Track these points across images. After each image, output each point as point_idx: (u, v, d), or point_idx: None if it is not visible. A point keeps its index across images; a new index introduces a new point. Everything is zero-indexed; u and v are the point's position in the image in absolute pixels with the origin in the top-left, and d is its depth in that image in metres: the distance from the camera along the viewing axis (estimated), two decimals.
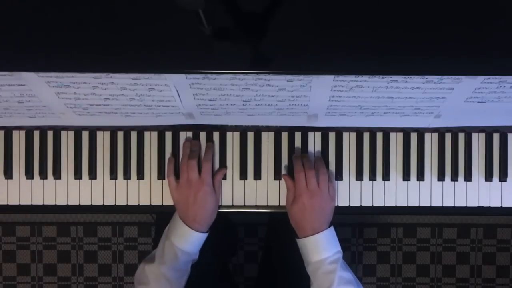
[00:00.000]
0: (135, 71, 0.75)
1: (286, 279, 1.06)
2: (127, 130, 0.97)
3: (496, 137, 0.97)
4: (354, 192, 0.97)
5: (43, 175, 0.97)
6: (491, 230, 1.72)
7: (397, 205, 0.98)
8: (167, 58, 0.74)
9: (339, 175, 0.97)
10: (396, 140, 0.97)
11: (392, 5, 0.75)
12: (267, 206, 0.97)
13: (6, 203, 0.97)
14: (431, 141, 0.97)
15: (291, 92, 0.80)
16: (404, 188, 0.97)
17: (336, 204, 0.95)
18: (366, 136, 0.97)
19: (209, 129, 0.97)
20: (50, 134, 0.97)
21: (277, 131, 0.97)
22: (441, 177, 0.97)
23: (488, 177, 0.97)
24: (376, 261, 1.72)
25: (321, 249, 0.87)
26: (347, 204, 0.97)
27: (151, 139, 0.97)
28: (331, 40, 0.75)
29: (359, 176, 0.97)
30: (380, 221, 1.72)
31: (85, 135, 0.97)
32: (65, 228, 1.71)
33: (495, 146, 0.97)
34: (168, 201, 0.95)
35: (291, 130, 0.97)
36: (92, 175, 0.97)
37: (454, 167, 0.97)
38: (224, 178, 0.97)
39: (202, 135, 0.97)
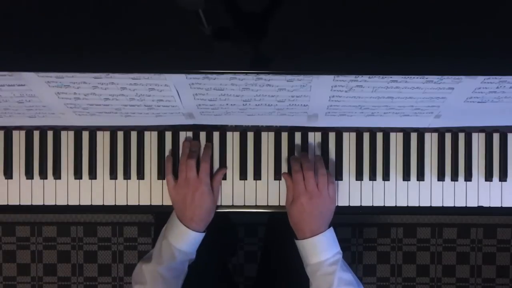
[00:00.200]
0: (135, 71, 0.75)
1: (285, 280, 1.06)
2: (127, 130, 0.97)
3: (496, 137, 0.97)
4: (354, 192, 0.97)
5: (43, 175, 0.97)
6: (491, 230, 1.72)
7: (397, 205, 0.98)
8: (167, 58, 0.74)
9: (339, 175, 0.97)
10: (396, 140, 0.97)
11: (392, 5, 0.75)
12: (267, 206, 0.97)
13: (6, 203, 0.97)
14: (431, 141, 0.97)
15: (291, 92, 0.80)
16: (404, 188, 0.97)
17: (336, 205, 0.95)
18: (366, 136, 0.97)
19: (209, 129, 0.97)
20: (50, 134, 0.97)
21: (277, 131, 0.97)
22: (441, 177, 0.97)
23: (488, 177, 0.97)
24: (376, 261, 1.72)
25: (320, 251, 0.86)
26: (347, 204, 0.97)
27: (151, 139, 0.97)
28: (331, 40, 0.75)
29: (359, 176, 0.97)
30: (380, 221, 1.71)
31: (85, 135, 0.97)
32: (65, 228, 1.71)
33: (495, 146, 0.97)
34: (168, 201, 0.95)
35: (291, 130, 0.97)
36: (92, 175, 0.97)
37: (454, 167, 0.97)
38: (224, 178, 0.97)
39: (202, 135, 0.97)
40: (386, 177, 0.97)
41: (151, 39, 0.74)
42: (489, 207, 0.98)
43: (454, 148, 0.97)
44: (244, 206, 0.98)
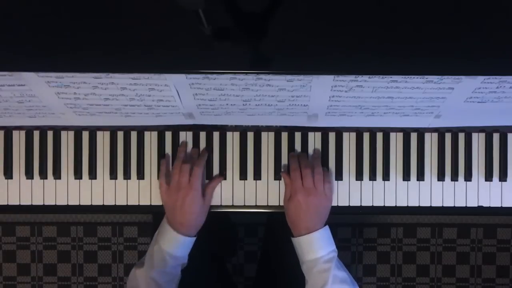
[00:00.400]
0: (135, 71, 0.75)
1: (284, 280, 1.06)
2: (127, 130, 0.97)
3: (496, 137, 0.97)
4: (354, 192, 0.97)
5: (43, 175, 0.97)
6: (491, 230, 1.72)
7: (397, 205, 0.98)
8: (167, 58, 0.74)
9: (339, 175, 0.97)
10: (396, 140, 0.97)
11: (392, 5, 0.75)
12: (267, 206, 0.97)
13: (6, 203, 0.97)
14: (431, 141, 0.97)
15: (291, 92, 0.80)
16: (404, 188, 0.97)
17: (333, 204, 0.95)
18: (366, 136, 0.97)
19: (209, 129, 0.97)
20: (50, 134, 0.97)
21: (277, 131, 0.97)
22: (441, 177, 0.97)
23: (488, 177, 0.97)
24: (376, 261, 1.72)
25: (315, 248, 0.87)
26: (347, 204, 0.97)
27: (151, 139, 0.97)
28: (331, 40, 0.75)
29: (359, 176, 0.97)
30: (380, 221, 1.71)
31: (85, 135, 0.97)
32: (65, 228, 1.71)
33: (495, 146, 0.97)
34: None
35: (291, 130, 0.97)
36: (92, 175, 0.97)
37: (454, 167, 0.97)
38: (224, 178, 0.97)
39: (202, 135, 0.97)
40: (386, 177, 0.97)
41: (151, 39, 0.74)
42: (489, 207, 0.98)
43: (454, 148, 0.97)
44: (244, 206, 0.98)
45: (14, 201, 0.97)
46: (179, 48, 0.74)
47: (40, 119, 0.91)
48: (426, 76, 0.76)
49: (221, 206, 0.97)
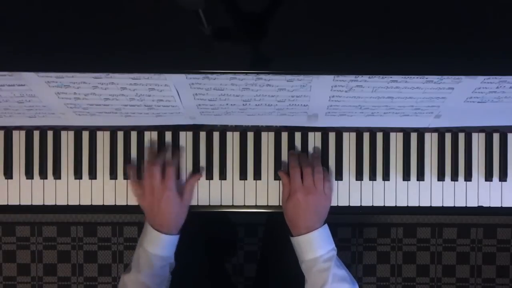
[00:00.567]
0: (135, 71, 0.75)
1: (283, 280, 1.06)
2: (127, 130, 0.97)
3: (496, 137, 0.97)
4: (354, 192, 0.97)
5: (43, 175, 0.97)
6: (491, 230, 1.72)
7: (397, 205, 0.98)
8: (167, 58, 0.74)
9: (339, 175, 0.97)
10: (396, 140, 0.97)
11: (392, 5, 0.75)
12: (267, 206, 0.97)
13: (6, 203, 0.97)
14: (431, 141, 0.97)
15: (291, 92, 0.80)
16: (404, 188, 0.97)
17: (333, 204, 0.95)
18: (366, 136, 0.97)
19: (209, 129, 0.97)
20: (50, 134, 0.97)
21: (277, 131, 0.97)
22: (441, 177, 0.97)
23: (488, 177, 0.97)
24: (376, 261, 1.72)
25: (315, 247, 0.87)
26: (347, 204, 0.97)
27: (151, 139, 0.97)
28: (331, 40, 0.75)
29: (359, 176, 0.97)
30: (380, 221, 1.71)
31: (85, 135, 0.97)
32: (65, 228, 1.71)
33: (495, 146, 0.97)
34: None
35: (291, 130, 0.97)
36: (92, 175, 0.97)
37: (454, 167, 0.97)
38: (224, 178, 0.97)
39: (202, 135, 0.97)
40: (386, 177, 0.97)
41: (151, 39, 0.74)
42: (489, 207, 0.98)
43: (454, 148, 0.97)
44: (244, 206, 0.98)
45: (14, 201, 0.97)
46: (179, 48, 0.74)
47: (40, 119, 0.91)
48: (426, 76, 0.76)
49: (221, 206, 0.97)
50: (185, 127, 0.97)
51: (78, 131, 0.97)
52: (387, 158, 0.97)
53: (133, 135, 0.97)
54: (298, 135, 0.97)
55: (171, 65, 0.74)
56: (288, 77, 0.76)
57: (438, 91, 0.80)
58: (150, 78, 0.77)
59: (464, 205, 0.98)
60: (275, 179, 0.97)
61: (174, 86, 0.79)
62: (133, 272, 0.88)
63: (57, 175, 0.97)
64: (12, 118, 0.91)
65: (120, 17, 0.75)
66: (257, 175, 0.97)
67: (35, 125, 0.96)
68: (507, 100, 0.82)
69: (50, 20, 0.75)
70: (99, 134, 0.97)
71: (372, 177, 0.97)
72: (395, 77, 0.76)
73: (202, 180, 0.97)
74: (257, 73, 0.75)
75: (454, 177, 0.97)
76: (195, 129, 0.97)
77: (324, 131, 0.97)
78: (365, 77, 0.76)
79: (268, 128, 0.97)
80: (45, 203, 0.97)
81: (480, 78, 0.76)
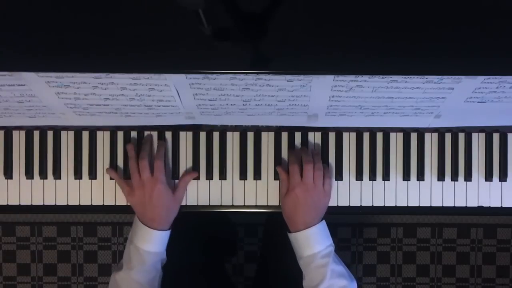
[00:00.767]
0: (135, 71, 0.75)
1: (283, 279, 1.06)
2: (127, 130, 0.97)
3: (496, 137, 0.97)
4: (354, 192, 0.97)
5: (43, 175, 0.97)
6: (491, 230, 1.72)
7: (397, 205, 0.98)
8: (167, 58, 0.74)
9: (339, 175, 0.97)
10: (396, 140, 0.97)
11: (392, 5, 0.75)
12: (267, 206, 0.97)
13: (6, 203, 0.97)
14: (431, 141, 0.97)
15: (291, 92, 0.80)
16: (404, 188, 0.97)
17: (333, 204, 0.95)
18: (366, 136, 0.97)
19: (209, 129, 0.97)
20: (50, 134, 0.97)
21: (277, 131, 0.97)
22: (441, 177, 0.97)
23: (488, 177, 0.97)
24: (376, 261, 1.72)
25: (313, 243, 0.87)
26: (347, 204, 0.97)
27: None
28: (331, 40, 0.75)
29: (359, 176, 0.97)
30: (380, 221, 1.71)
31: (85, 135, 0.97)
32: (65, 228, 1.71)
33: (495, 146, 0.97)
34: None
35: (291, 130, 0.97)
36: (92, 175, 0.97)
37: (454, 167, 0.97)
38: (224, 178, 0.97)
39: (202, 135, 0.97)
40: (386, 177, 0.97)
41: (151, 39, 0.74)
42: (489, 207, 0.98)
43: (454, 148, 0.97)
44: (244, 206, 0.98)
45: (14, 201, 0.97)
46: (179, 48, 0.74)
47: (40, 119, 0.91)
48: (426, 76, 0.76)
49: (221, 206, 0.97)
50: (185, 127, 0.97)
51: (78, 131, 0.97)
52: (387, 158, 0.97)
53: (133, 135, 0.97)
54: (298, 135, 0.97)
55: (171, 65, 0.74)
56: (288, 77, 0.76)
57: (438, 91, 0.80)
58: (150, 78, 0.77)
59: (464, 205, 0.98)
60: (275, 179, 0.97)
61: (174, 86, 0.79)
62: (124, 269, 0.88)
63: (57, 175, 0.97)
64: (12, 118, 0.91)
65: (120, 17, 0.75)
66: (257, 175, 0.97)
67: (35, 125, 0.96)
68: (507, 100, 0.82)
69: (50, 20, 0.75)
70: (99, 134, 0.97)
71: (372, 177, 0.97)
72: (395, 77, 0.76)
73: (202, 180, 0.97)
74: (257, 73, 0.75)
75: (454, 177, 0.97)
76: (195, 129, 0.97)
77: (324, 131, 0.97)
78: (365, 77, 0.76)
79: (268, 128, 0.97)
80: (45, 203, 0.97)
81: (480, 78, 0.76)
